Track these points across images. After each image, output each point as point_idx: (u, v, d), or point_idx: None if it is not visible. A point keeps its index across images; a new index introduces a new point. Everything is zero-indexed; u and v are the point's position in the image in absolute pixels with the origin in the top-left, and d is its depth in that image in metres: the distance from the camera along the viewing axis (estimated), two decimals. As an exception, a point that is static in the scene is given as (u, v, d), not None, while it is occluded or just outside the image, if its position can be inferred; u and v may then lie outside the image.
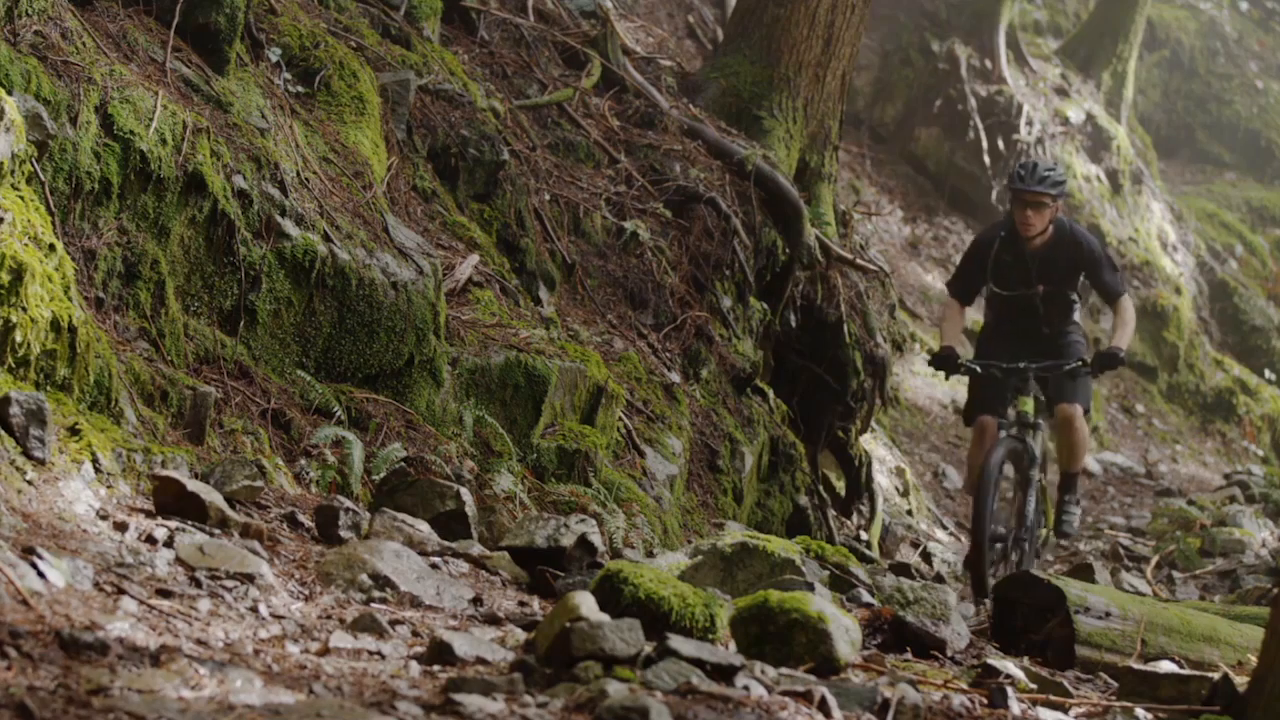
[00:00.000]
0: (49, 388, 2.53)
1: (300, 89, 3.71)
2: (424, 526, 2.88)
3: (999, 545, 4.37)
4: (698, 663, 2.13)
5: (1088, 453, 4.91)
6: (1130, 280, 9.32)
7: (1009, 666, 2.40)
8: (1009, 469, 4.51)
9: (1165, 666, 2.52)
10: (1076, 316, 4.55)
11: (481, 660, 2.21)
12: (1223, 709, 2.28)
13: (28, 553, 2.11)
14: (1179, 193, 10.49)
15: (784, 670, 2.25)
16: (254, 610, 2.28)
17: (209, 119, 3.18)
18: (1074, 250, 4.44)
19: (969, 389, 4.62)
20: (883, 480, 6.28)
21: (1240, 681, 2.33)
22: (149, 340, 2.92)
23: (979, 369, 4.38)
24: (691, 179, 5.09)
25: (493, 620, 2.52)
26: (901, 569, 4.58)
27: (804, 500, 5.21)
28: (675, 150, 5.12)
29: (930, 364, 4.39)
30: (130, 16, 3.24)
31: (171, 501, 2.51)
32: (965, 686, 2.32)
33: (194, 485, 2.52)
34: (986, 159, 9.25)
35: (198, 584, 2.28)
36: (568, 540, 2.82)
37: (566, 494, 3.49)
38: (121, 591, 2.13)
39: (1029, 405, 4.41)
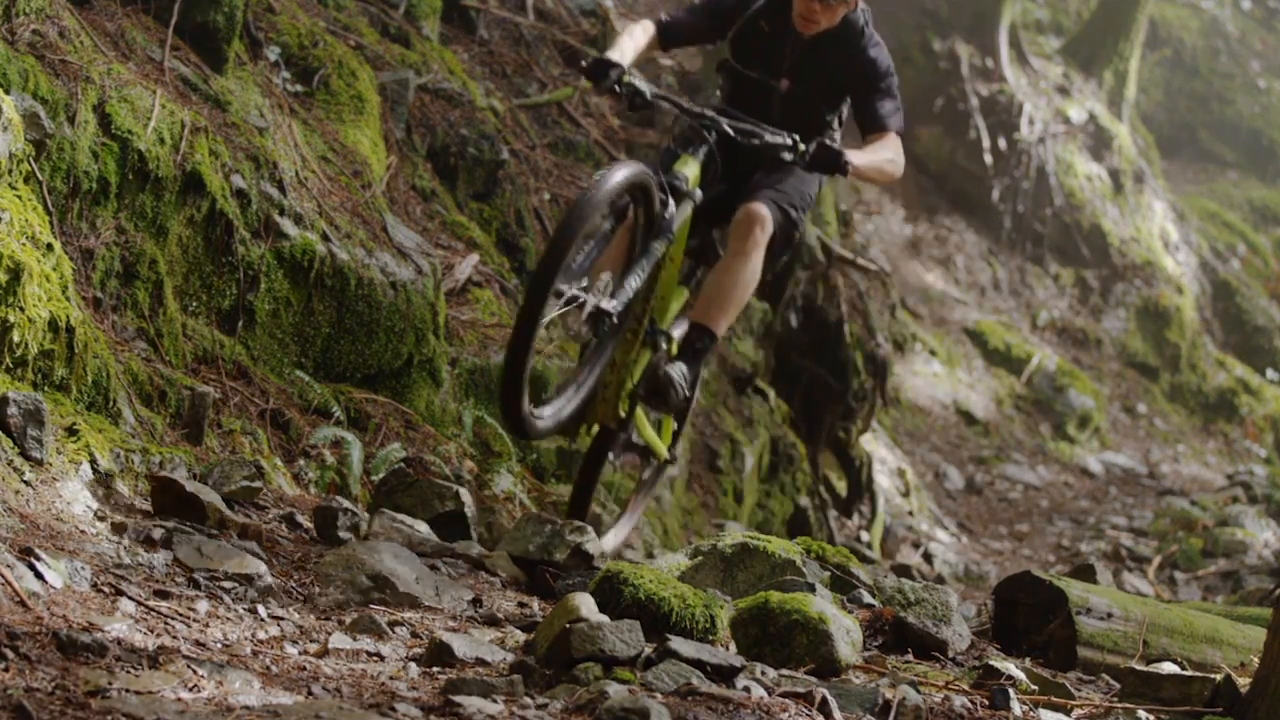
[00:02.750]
0: (47, 388, 2.53)
1: (299, 88, 3.71)
2: (423, 527, 2.88)
3: (571, 298, 2.53)
4: (698, 664, 2.13)
5: (738, 308, 2.87)
6: (1131, 279, 9.32)
7: (1010, 668, 2.39)
8: (631, 222, 2.69)
9: (1167, 668, 2.51)
10: (829, 143, 2.86)
11: (481, 661, 2.20)
12: (1225, 710, 2.27)
13: (25, 554, 2.11)
14: (1181, 192, 10.49)
15: (784, 671, 2.24)
16: (252, 611, 2.27)
17: (207, 118, 3.17)
18: (853, 60, 2.88)
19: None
20: (884, 481, 6.27)
21: (1243, 683, 2.32)
22: (147, 340, 2.92)
23: (645, 91, 2.71)
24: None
25: (492, 621, 2.51)
26: (903, 570, 4.57)
27: (805, 501, 5.20)
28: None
29: (582, 73, 2.78)
30: (128, 15, 3.24)
31: (170, 502, 2.51)
32: (966, 688, 2.31)
33: (192, 486, 2.52)
34: (988, 158, 9.25)
35: (196, 585, 2.27)
36: (560, 554, 2.81)
37: (566, 494, 3.47)
38: (119, 593, 2.12)
39: (692, 167, 2.74)
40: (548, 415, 2.64)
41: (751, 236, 2.80)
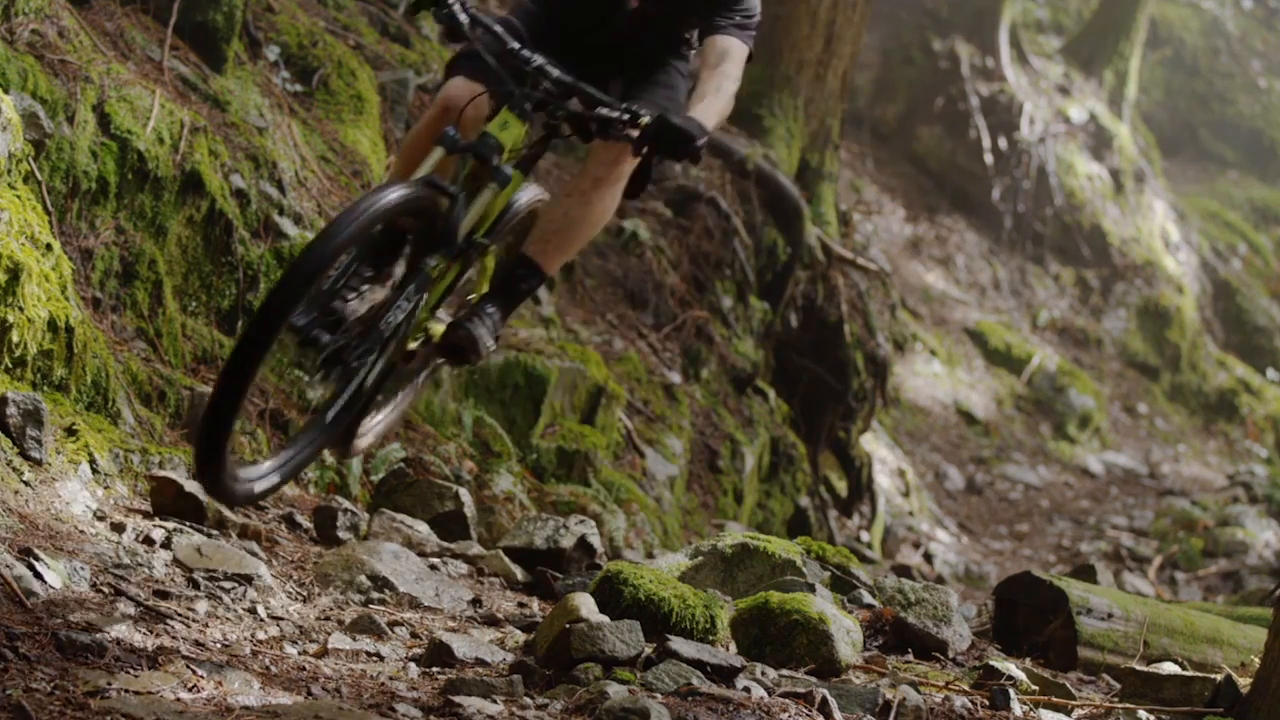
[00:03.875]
0: (46, 388, 2.52)
1: (298, 87, 3.71)
2: (423, 527, 2.87)
3: (308, 336, 2.02)
4: (698, 664, 2.13)
5: (582, 246, 2.34)
6: (1132, 279, 9.31)
7: (1011, 668, 2.39)
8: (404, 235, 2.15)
9: (1168, 668, 2.51)
10: (681, 67, 2.37)
11: (481, 662, 2.20)
12: (1226, 710, 2.27)
13: (25, 554, 2.11)
14: (1182, 192, 10.48)
15: (785, 672, 2.24)
16: (252, 611, 2.27)
17: (207, 118, 3.17)
18: None
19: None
20: (884, 481, 6.27)
21: (1243, 683, 2.32)
22: (146, 340, 2.91)
23: (462, 22, 2.13)
24: (692, 178, 5.08)
25: (492, 622, 2.51)
26: (903, 570, 4.57)
27: (805, 501, 5.20)
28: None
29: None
30: (128, 15, 3.23)
31: (169, 502, 2.50)
32: (967, 688, 2.31)
33: (191, 486, 2.51)
34: (988, 158, 9.24)
35: (195, 585, 2.27)
36: (567, 541, 2.81)
37: (566, 494, 3.47)
38: (119, 593, 2.12)
39: (512, 129, 2.14)
40: (257, 478, 2.00)
41: (616, 166, 2.21)
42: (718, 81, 2.27)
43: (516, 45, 2.15)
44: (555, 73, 2.15)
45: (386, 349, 2.12)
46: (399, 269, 2.12)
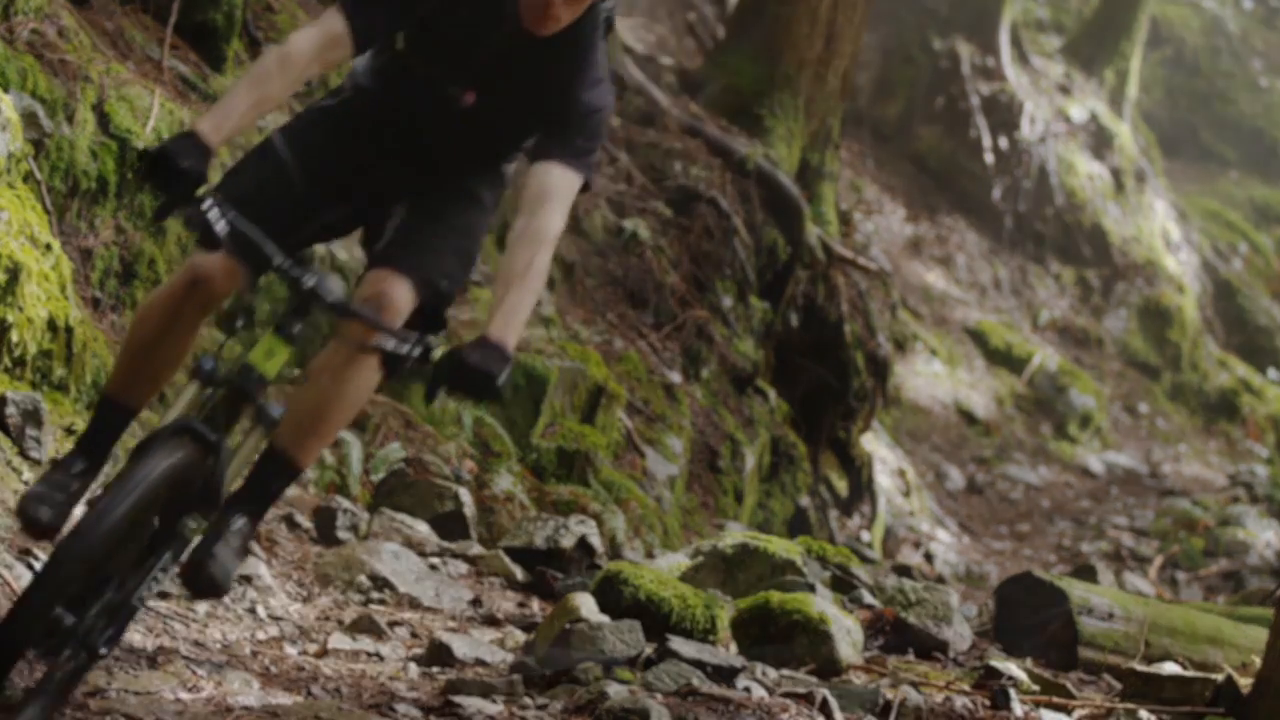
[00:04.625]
0: (45, 388, 2.52)
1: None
2: (423, 527, 2.87)
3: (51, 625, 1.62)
4: (698, 664, 2.13)
5: (344, 426, 1.94)
6: (1132, 279, 9.31)
7: (1011, 668, 2.39)
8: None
9: (1169, 668, 2.50)
10: (504, 173, 1.98)
11: (480, 662, 2.20)
12: (1227, 710, 2.26)
13: (24, 554, 2.10)
14: (1182, 191, 10.47)
15: (785, 672, 2.24)
16: (252, 611, 2.27)
17: (207, 117, 3.16)
18: (575, 74, 1.89)
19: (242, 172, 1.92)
20: (884, 481, 6.26)
21: (1244, 683, 2.32)
22: (146, 340, 2.90)
23: (217, 229, 1.72)
24: (692, 178, 5.07)
25: (492, 621, 2.50)
26: (903, 570, 4.56)
27: (805, 501, 5.19)
28: (675, 149, 5.10)
29: (140, 171, 1.77)
30: (127, 14, 3.23)
31: (169, 502, 2.49)
32: (967, 688, 2.30)
33: (191, 486, 2.50)
34: (989, 158, 9.24)
35: (195, 585, 2.26)
36: (567, 541, 2.80)
37: (566, 494, 3.47)
38: (118, 593, 2.11)
39: (276, 359, 1.79)
40: None
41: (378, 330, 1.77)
42: (531, 251, 1.78)
43: (287, 262, 1.74)
44: (333, 295, 1.73)
45: (133, 619, 1.74)
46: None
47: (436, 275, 1.84)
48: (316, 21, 1.88)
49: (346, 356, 1.83)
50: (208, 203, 1.70)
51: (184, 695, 1.87)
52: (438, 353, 1.70)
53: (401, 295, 1.81)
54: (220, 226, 1.71)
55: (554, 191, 1.84)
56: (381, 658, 2.18)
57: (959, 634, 2.63)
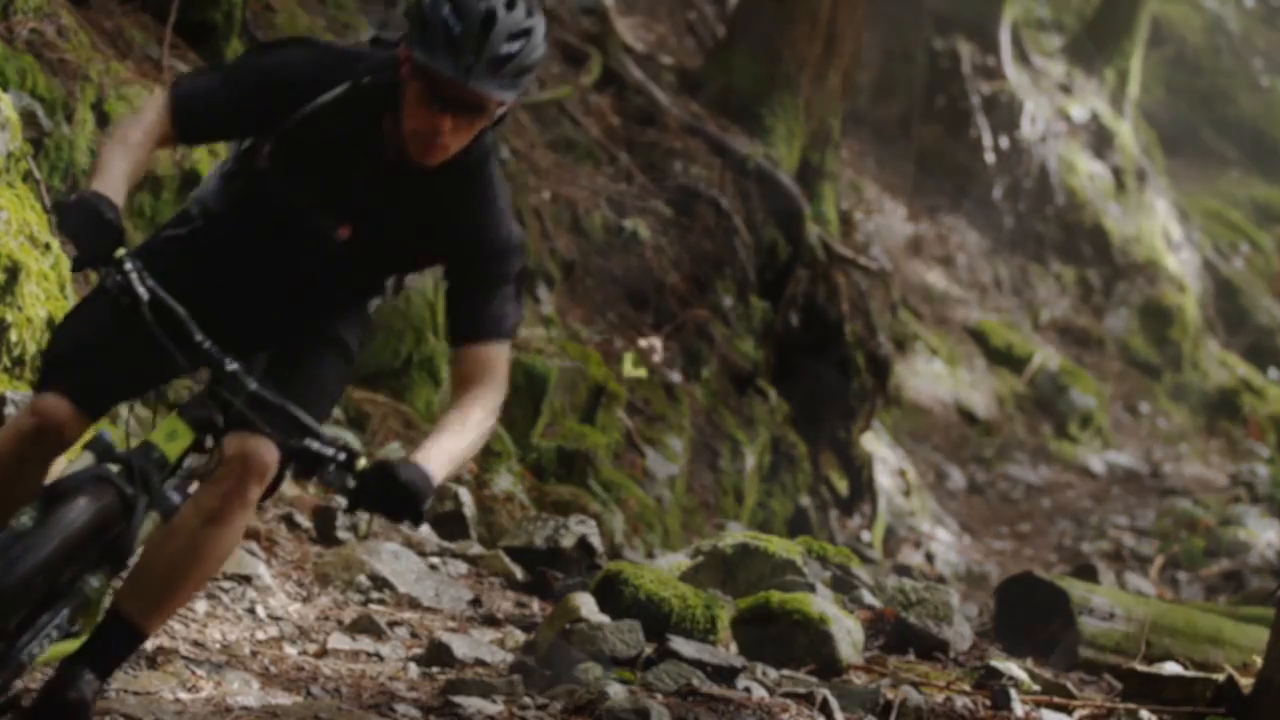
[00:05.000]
0: (45, 387, 2.51)
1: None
2: (423, 527, 2.87)
3: None
4: (699, 664, 2.12)
5: (196, 591, 1.76)
6: (1133, 278, 9.30)
7: (1012, 668, 2.39)
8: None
9: (1170, 668, 2.50)
10: (370, 313, 1.82)
11: (480, 662, 2.20)
12: (1228, 711, 2.26)
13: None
14: (1184, 190, 10.46)
15: (785, 672, 2.23)
16: (251, 611, 2.26)
17: (206, 117, 3.15)
18: (469, 211, 1.71)
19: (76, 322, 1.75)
20: (885, 480, 6.26)
21: (1245, 683, 2.31)
22: (146, 339, 2.90)
23: (140, 294, 1.58)
24: (692, 177, 5.07)
25: (492, 621, 2.50)
26: (904, 570, 4.56)
27: (806, 500, 5.19)
28: (676, 148, 5.10)
29: (58, 222, 1.64)
30: (127, 13, 3.23)
31: (168, 502, 2.49)
32: (968, 688, 2.30)
33: (190, 485, 2.50)
34: (989, 157, 9.23)
35: (194, 585, 2.26)
36: (567, 541, 2.80)
37: (566, 494, 3.47)
38: (117, 593, 2.11)
39: (178, 442, 1.67)
40: None
41: (241, 493, 1.62)
42: (467, 412, 1.63)
43: (208, 341, 1.56)
44: (253, 385, 1.56)
45: (19, 677, 1.56)
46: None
47: (301, 437, 1.59)
48: (148, 103, 1.68)
49: (206, 516, 1.60)
50: (130, 264, 1.53)
51: (183, 695, 1.87)
52: (362, 462, 1.52)
53: (270, 459, 1.61)
54: (142, 291, 1.53)
55: (484, 373, 1.65)
56: (381, 658, 2.18)
57: (960, 634, 2.63)
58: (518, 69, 1.62)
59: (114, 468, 1.57)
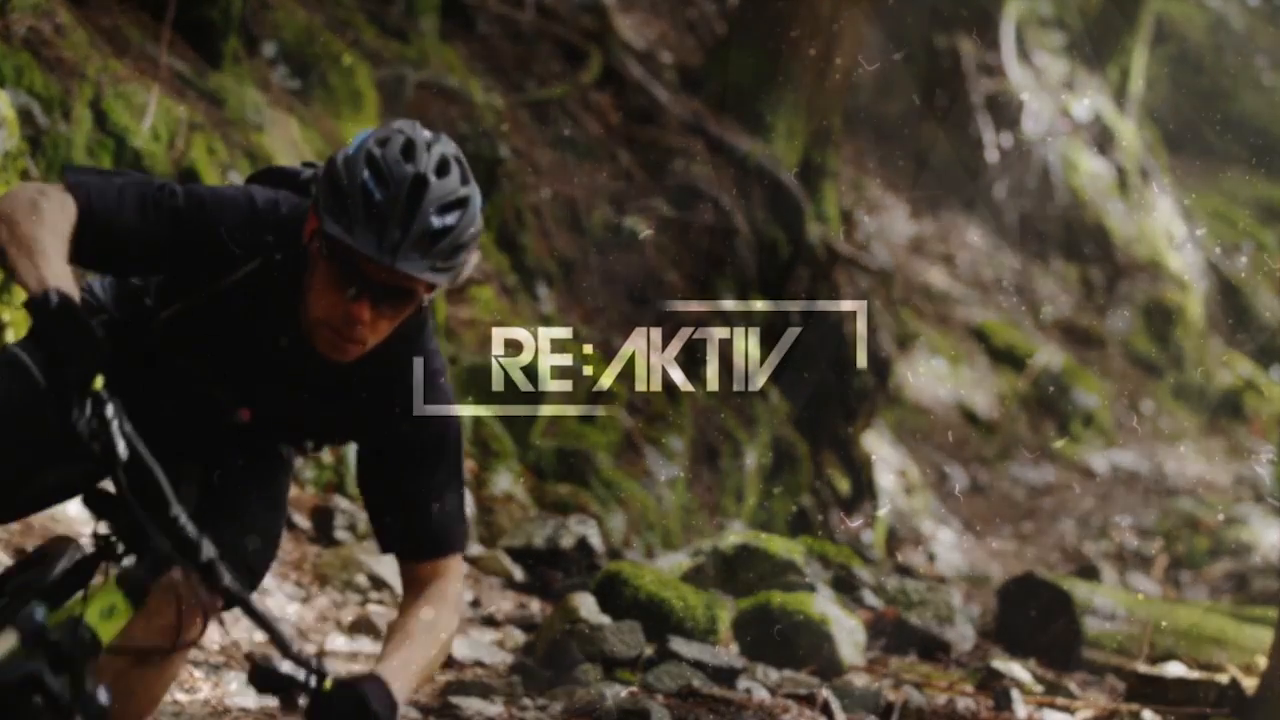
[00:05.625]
0: (42, 387, 2.50)
1: (296, 84, 3.69)
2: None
3: None
4: (699, 665, 2.11)
5: None
6: (1136, 277, 9.28)
7: (1014, 669, 2.37)
8: None
9: (1173, 669, 2.48)
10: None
11: (480, 663, 2.18)
12: (1231, 712, 2.24)
13: (19, 554, 2.09)
14: (1187, 189, 10.43)
15: (786, 672, 2.22)
16: (248, 612, 2.24)
17: (204, 114, 3.15)
18: (393, 400, 1.44)
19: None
20: (886, 480, 6.25)
21: (1249, 684, 2.29)
22: (143, 339, 2.89)
23: (125, 450, 1.24)
24: (692, 175, 5.06)
25: (491, 622, 2.49)
26: (906, 570, 4.55)
27: (807, 500, 5.18)
28: (676, 146, 5.09)
29: (33, 327, 1.27)
30: (124, 11, 3.22)
31: (165, 502, 2.47)
32: (970, 689, 2.28)
33: (188, 485, 2.49)
34: (991, 155, 9.20)
35: (191, 585, 2.24)
36: (567, 542, 2.79)
37: (566, 494, 3.46)
38: (113, 593, 2.10)
39: (116, 620, 1.30)
40: None
41: (183, 632, 1.42)
42: (434, 615, 1.39)
43: (183, 516, 1.26)
44: (228, 580, 1.28)
45: None
46: None
47: (248, 577, 1.40)
48: (50, 195, 1.32)
49: (159, 634, 1.35)
50: (112, 406, 1.19)
51: (181, 697, 1.86)
52: (329, 683, 1.28)
53: (213, 606, 1.35)
54: (121, 448, 1.19)
55: (437, 590, 1.39)
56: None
57: (962, 635, 2.62)
58: (452, 246, 1.31)
59: (39, 661, 1.22)
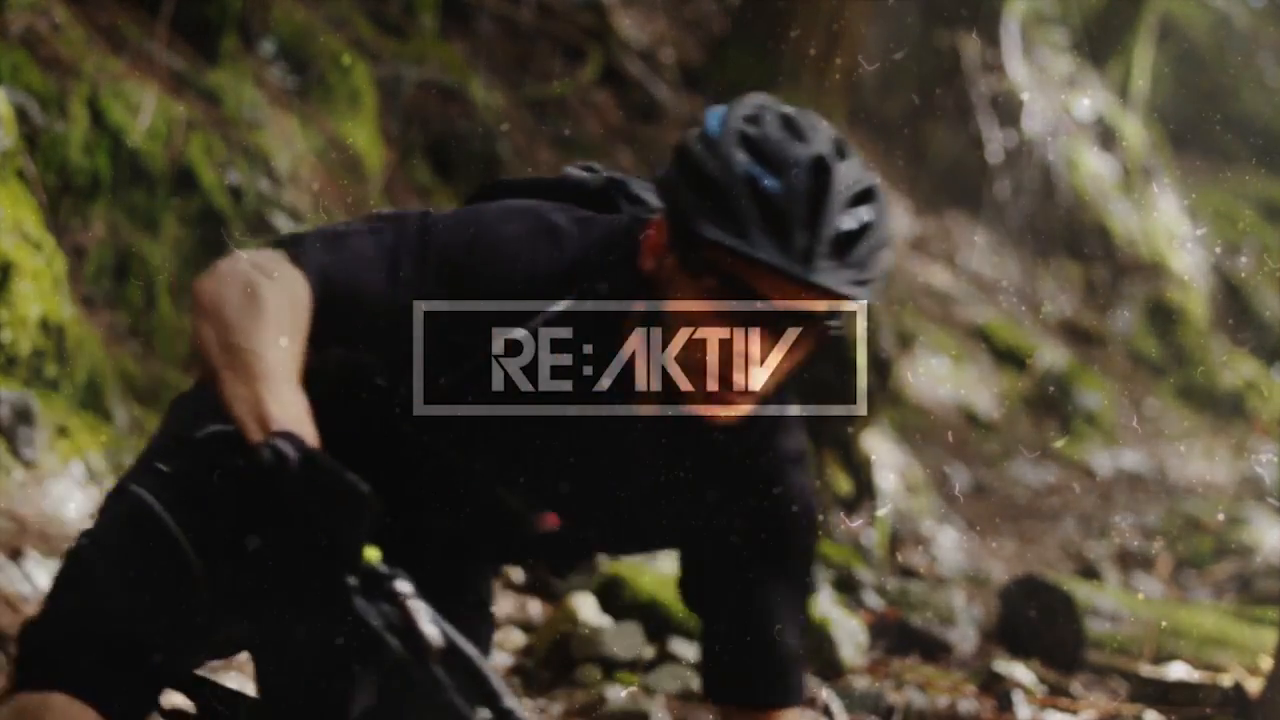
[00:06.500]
0: (38, 387, 2.49)
1: (294, 82, 3.67)
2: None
3: None
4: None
5: None
6: (1139, 276, 9.25)
7: (1017, 670, 2.36)
8: None
9: (1176, 670, 2.47)
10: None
11: (477, 664, 2.16)
12: (1235, 713, 2.23)
13: (16, 555, 2.08)
14: (1190, 188, 10.41)
15: (786, 675, 2.20)
16: (245, 613, 2.23)
17: (201, 113, 3.14)
18: (770, 476, 1.01)
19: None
20: (887, 480, 6.23)
21: (1253, 686, 2.28)
22: (140, 338, 2.88)
23: (430, 629, 0.81)
24: (694, 175, 5.02)
25: (489, 623, 2.46)
26: (907, 571, 4.52)
27: (808, 500, 5.14)
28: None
29: (286, 492, 0.78)
30: (121, 8, 3.20)
31: (162, 502, 2.46)
32: (972, 691, 2.27)
33: (185, 485, 2.47)
34: (993, 154, 9.18)
35: (187, 586, 2.23)
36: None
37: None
38: (109, 594, 2.08)
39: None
40: None
41: None
42: None
43: (518, 709, 0.90)
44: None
45: None
46: None
47: None
48: (279, 273, 0.96)
49: None
50: (406, 586, 0.85)
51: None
52: None
53: None
54: (432, 633, 0.83)
55: None
56: (377, 660, 2.14)
57: (964, 636, 2.60)
58: (869, 250, 0.99)
59: None
